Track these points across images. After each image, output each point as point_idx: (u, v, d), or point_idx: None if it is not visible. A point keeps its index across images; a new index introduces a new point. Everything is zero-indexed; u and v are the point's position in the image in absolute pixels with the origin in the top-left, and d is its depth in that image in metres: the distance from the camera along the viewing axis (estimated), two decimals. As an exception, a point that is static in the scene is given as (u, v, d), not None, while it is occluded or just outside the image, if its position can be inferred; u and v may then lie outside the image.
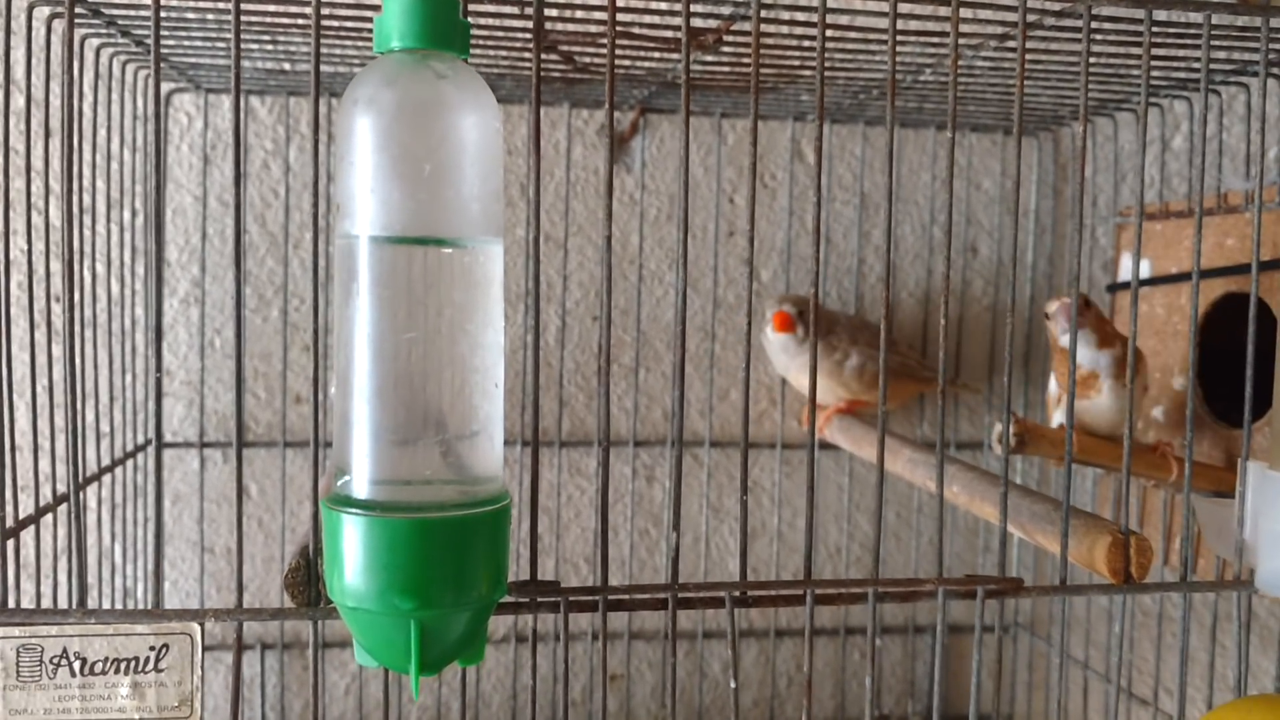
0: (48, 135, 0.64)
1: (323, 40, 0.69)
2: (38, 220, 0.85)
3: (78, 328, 0.76)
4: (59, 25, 0.75)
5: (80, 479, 0.47)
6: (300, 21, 0.63)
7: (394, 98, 0.40)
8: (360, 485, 0.41)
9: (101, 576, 0.80)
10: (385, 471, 0.41)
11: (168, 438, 0.89)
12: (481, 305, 0.42)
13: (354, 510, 0.41)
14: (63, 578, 0.69)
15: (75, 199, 0.73)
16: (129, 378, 0.82)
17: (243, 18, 0.62)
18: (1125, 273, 0.86)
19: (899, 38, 0.67)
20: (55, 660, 0.45)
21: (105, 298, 0.79)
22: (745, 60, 0.74)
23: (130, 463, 0.82)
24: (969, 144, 0.99)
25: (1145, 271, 0.83)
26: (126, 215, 0.83)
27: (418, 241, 0.40)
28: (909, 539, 1.01)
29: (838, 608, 0.99)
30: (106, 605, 0.83)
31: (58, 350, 0.86)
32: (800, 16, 0.63)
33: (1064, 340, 0.70)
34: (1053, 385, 0.76)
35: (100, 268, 0.84)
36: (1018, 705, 1.02)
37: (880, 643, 1.02)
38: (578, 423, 0.95)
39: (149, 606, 0.47)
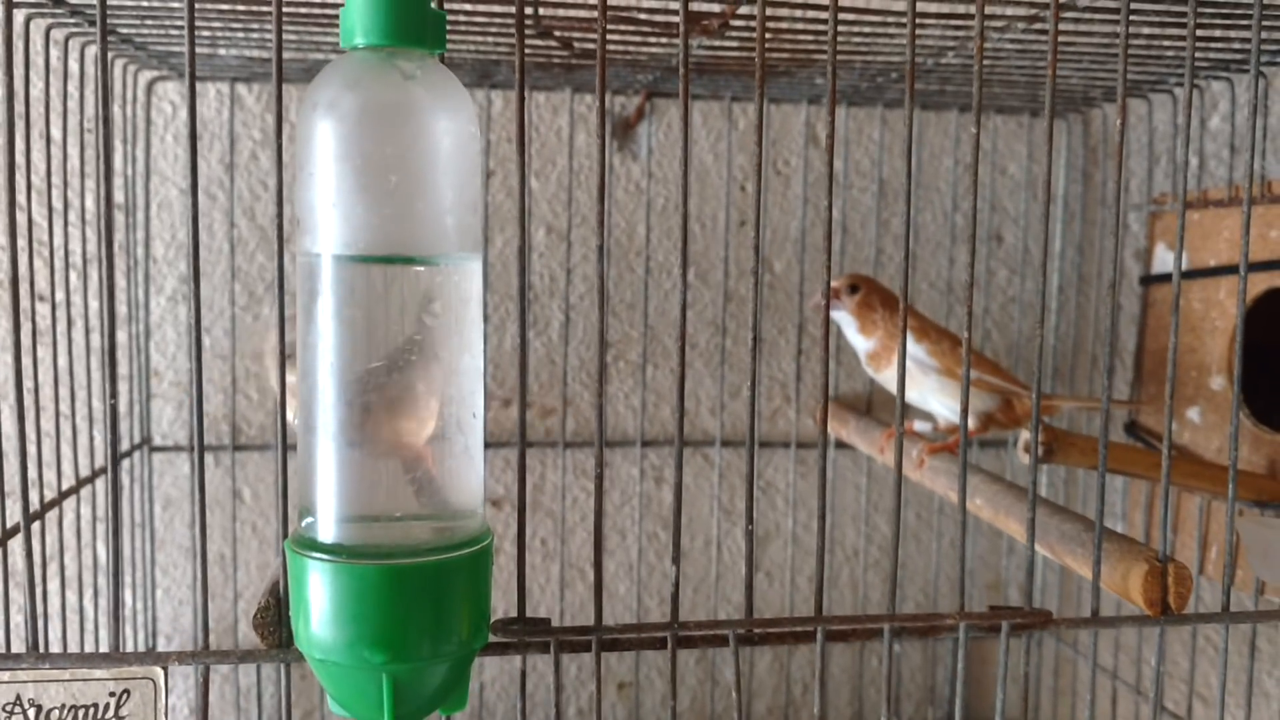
0: (12, 128, 0.60)
1: (303, 26, 0.65)
2: (20, 219, 0.81)
3: (56, 332, 0.73)
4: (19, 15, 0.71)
5: (40, 506, 0.44)
6: (266, 8, 0.59)
7: (356, 101, 0.36)
8: (326, 527, 0.37)
9: (82, 583, 0.77)
10: (353, 510, 0.38)
11: (157, 440, 0.86)
12: (456, 329, 0.38)
13: (319, 555, 0.37)
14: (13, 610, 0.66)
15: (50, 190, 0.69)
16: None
17: (212, 4, 0.58)
18: (1159, 264, 0.82)
19: (921, 20, 0.62)
20: (8, 708, 0.41)
21: (84, 294, 0.76)
22: (755, 43, 0.70)
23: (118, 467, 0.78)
24: (993, 127, 0.94)
25: (1181, 264, 0.78)
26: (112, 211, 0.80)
27: (384, 260, 0.36)
28: (929, 540, 0.97)
29: (856, 609, 0.95)
30: (92, 614, 0.80)
31: (42, 351, 0.83)
32: (812, -2, 0.59)
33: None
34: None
35: (80, 263, 0.81)
36: (1043, 712, 0.98)
37: (899, 649, 0.98)
38: (583, 422, 0.91)
39: (110, 646, 0.44)
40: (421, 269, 0.37)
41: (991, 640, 0.98)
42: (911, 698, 0.99)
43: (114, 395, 0.42)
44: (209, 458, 0.87)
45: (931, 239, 0.94)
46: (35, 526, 0.61)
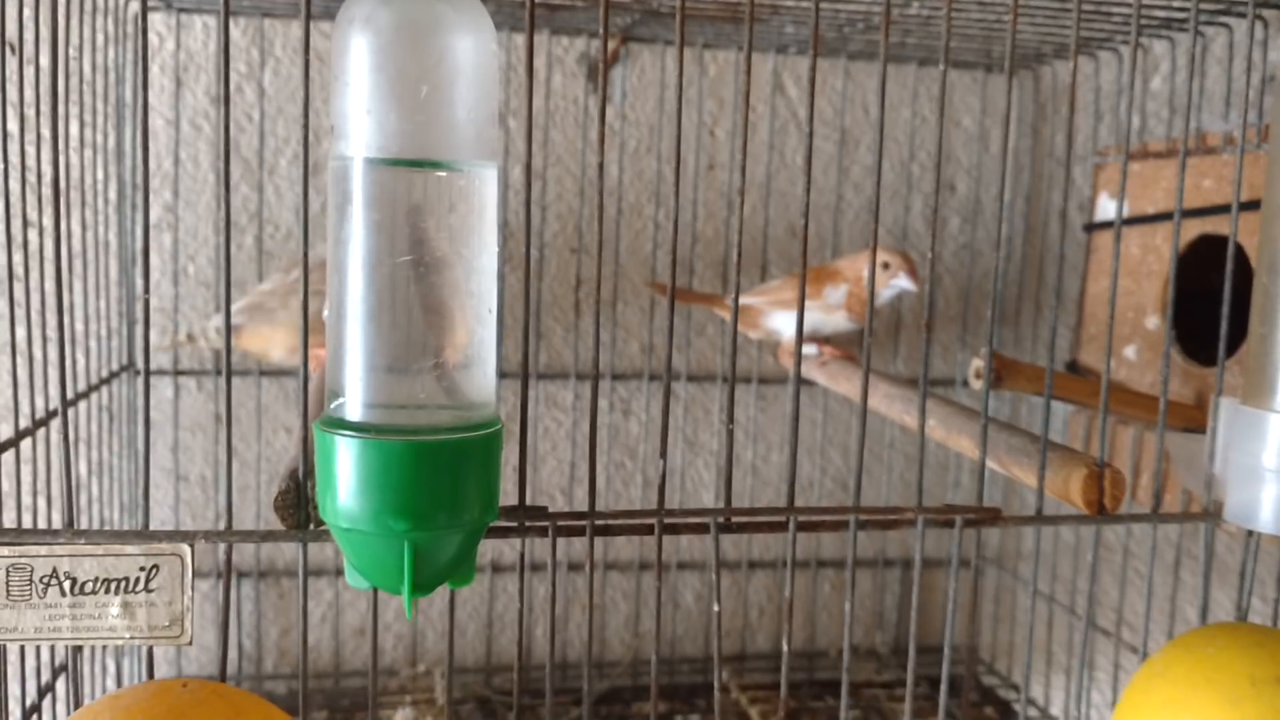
0: (3, 56, 0.63)
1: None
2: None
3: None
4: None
5: (67, 397, 0.47)
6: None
7: (390, 17, 0.39)
8: (354, 408, 0.41)
9: (75, 504, 0.80)
10: (379, 395, 0.41)
11: (141, 364, 0.89)
12: (476, 229, 0.41)
13: (348, 432, 0.41)
14: (42, 502, 0.68)
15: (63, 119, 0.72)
16: (102, 302, 0.81)
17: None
18: (1102, 213, 0.87)
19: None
20: (45, 580, 0.45)
21: (79, 223, 0.78)
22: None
23: (104, 390, 0.81)
24: (949, 80, 0.99)
25: (1123, 212, 0.83)
26: (99, 138, 0.82)
27: (413, 164, 0.40)
28: (880, 474, 1.02)
29: (810, 540, 1.00)
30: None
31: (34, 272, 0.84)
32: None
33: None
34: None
35: (74, 194, 0.83)
36: (984, 637, 1.04)
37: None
38: (555, 355, 0.95)
39: (141, 524, 0.48)
40: (446, 173, 0.40)
41: (936, 570, 1.04)
42: (861, 622, 1.04)
43: (147, 291, 0.45)
44: (192, 381, 0.90)
45: (888, 187, 0.98)
46: (34, 436, 0.64)
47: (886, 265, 0.83)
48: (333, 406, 0.42)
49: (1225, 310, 0.57)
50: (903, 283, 0.81)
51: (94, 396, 0.79)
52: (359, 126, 0.40)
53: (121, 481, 0.85)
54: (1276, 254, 0.53)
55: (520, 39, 0.91)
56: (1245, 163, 0.71)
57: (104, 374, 0.81)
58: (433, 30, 0.40)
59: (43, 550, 0.45)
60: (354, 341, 0.41)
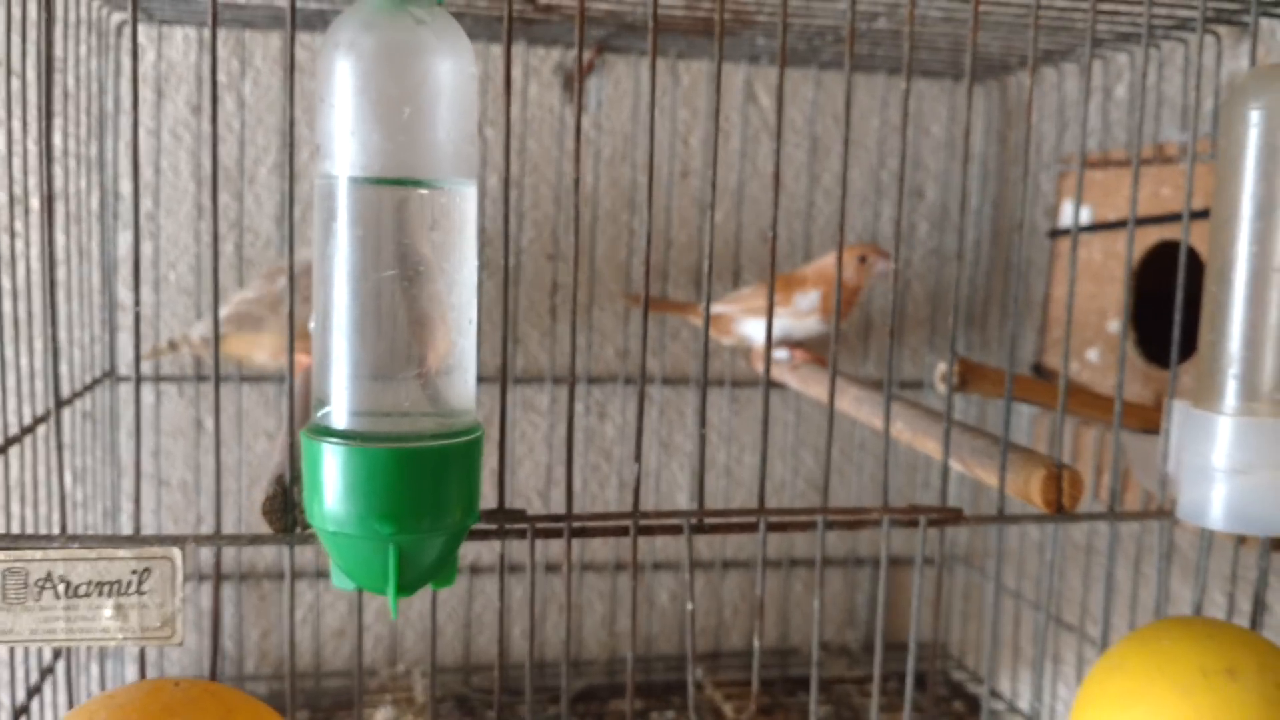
0: None
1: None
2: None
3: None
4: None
5: (58, 402, 0.48)
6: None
7: (373, 42, 0.41)
8: (340, 416, 0.43)
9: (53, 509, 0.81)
10: (364, 404, 0.43)
11: (122, 371, 0.90)
12: (457, 244, 0.43)
13: (334, 440, 0.42)
14: (29, 509, 0.70)
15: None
16: (84, 310, 0.82)
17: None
18: (1066, 219, 0.90)
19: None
20: (40, 583, 0.46)
21: (62, 231, 0.79)
22: (702, 2, 0.76)
23: (87, 397, 0.82)
24: (918, 90, 1.01)
25: (1086, 218, 0.86)
26: (81, 148, 0.83)
27: (396, 182, 0.42)
28: (852, 474, 1.04)
29: (783, 540, 1.03)
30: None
31: (16, 280, 0.85)
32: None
33: None
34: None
35: (56, 203, 0.84)
36: (954, 634, 1.06)
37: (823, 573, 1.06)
38: (531, 360, 0.97)
39: (133, 528, 0.49)
40: (428, 191, 0.42)
41: (906, 569, 1.06)
42: (833, 621, 1.06)
43: (138, 303, 0.47)
44: (173, 387, 0.91)
45: (858, 194, 1.00)
46: (22, 443, 0.65)
47: (864, 259, 0.85)
48: (319, 415, 0.43)
49: (1177, 316, 0.59)
50: (882, 266, 0.84)
51: (77, 403, 0.80)
52: (344, 147, 0.41)
53: (103, 487, 0.86)
54: (1225, 263, 0.55)
55: (498, 49, 0.92)
56: (1201, 173, 0.73)
57: (86, 381, 0.82)
58: (414, 54, 0.41)
59: (38, 554, 0.46)
60: (340, 352, 0.42)
